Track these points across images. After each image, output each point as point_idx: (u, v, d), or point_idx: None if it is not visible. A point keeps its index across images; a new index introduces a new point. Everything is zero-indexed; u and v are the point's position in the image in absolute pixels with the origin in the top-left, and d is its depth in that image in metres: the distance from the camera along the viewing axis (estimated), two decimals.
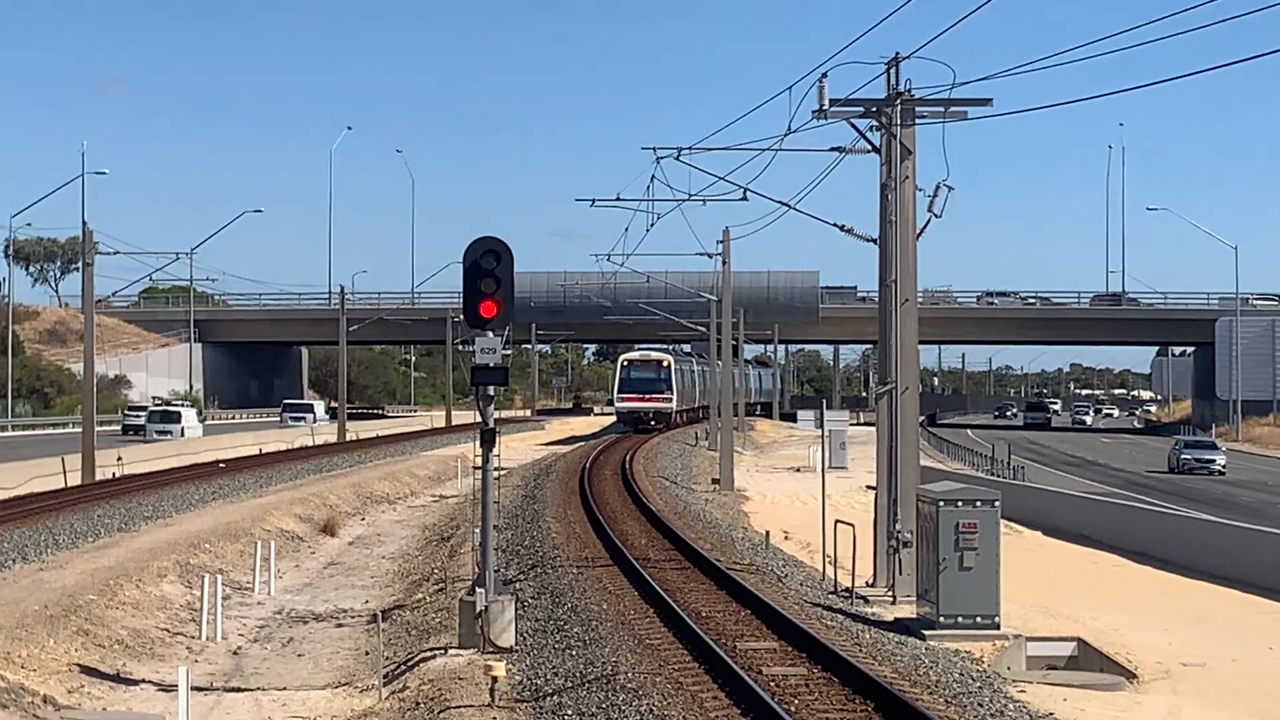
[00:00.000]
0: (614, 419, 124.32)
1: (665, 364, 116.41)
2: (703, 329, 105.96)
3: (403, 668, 26.46)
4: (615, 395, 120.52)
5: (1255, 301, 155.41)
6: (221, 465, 74.25)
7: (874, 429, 37.16)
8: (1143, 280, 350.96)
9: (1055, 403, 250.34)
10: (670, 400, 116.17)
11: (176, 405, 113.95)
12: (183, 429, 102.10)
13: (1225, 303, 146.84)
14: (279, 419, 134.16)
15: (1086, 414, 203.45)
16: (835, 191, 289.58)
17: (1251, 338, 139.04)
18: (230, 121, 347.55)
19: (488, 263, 26.36)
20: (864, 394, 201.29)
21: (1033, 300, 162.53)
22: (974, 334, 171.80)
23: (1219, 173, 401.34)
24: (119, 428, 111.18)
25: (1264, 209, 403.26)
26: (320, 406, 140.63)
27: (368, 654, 28.77)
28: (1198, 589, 39.20)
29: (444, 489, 69.33)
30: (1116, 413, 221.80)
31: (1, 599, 31.29)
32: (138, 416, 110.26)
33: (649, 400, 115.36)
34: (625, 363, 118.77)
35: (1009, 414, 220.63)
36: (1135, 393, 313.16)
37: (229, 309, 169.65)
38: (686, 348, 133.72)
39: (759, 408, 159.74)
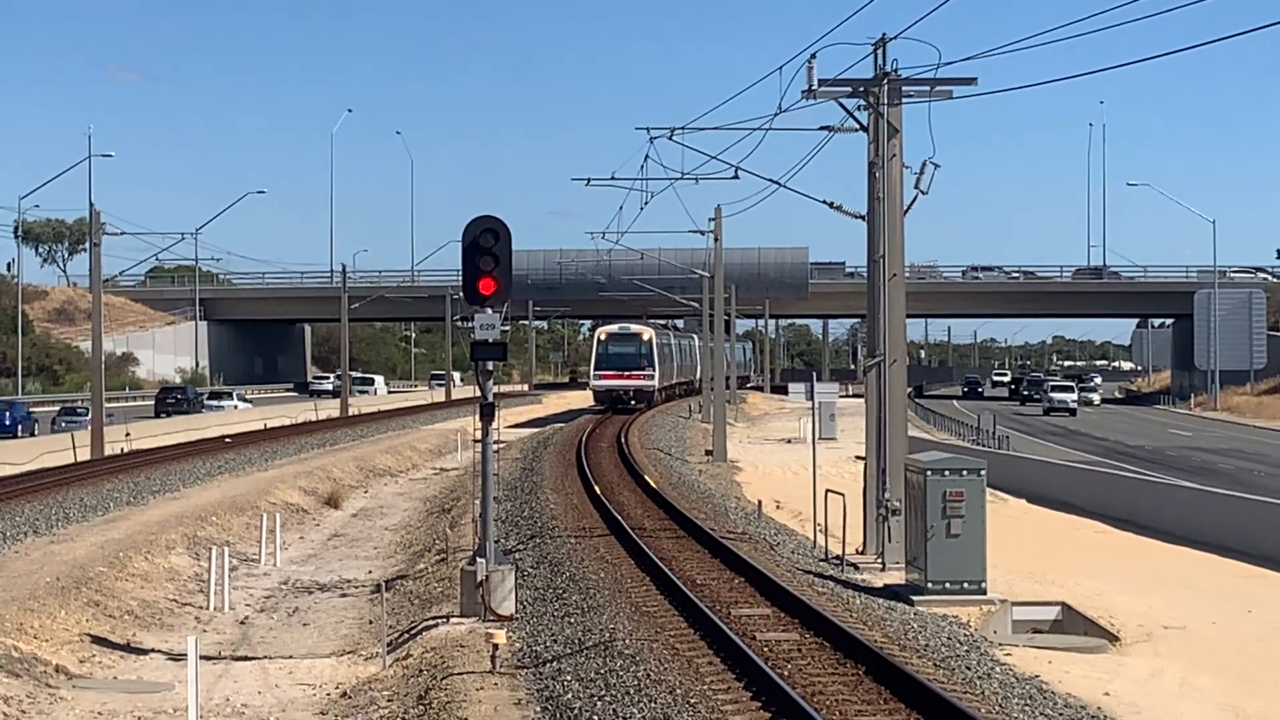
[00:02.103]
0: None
1: (646, 338, 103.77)
2: (695, 305, 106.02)
3: (406, 636, 26.48)
4: (591, 372, 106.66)
5: (1233, 274, 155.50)
6: (228, 440, 74.24)
7: (863, 401, 37.16)
8: (1123, 254, 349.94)
9: (1005, 374, 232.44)
10: (652, 377, 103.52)
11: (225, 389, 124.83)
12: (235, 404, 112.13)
13: (1204, 276, 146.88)
14: (332, 393, 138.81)
15: (1068, 394, 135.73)
16: (824, 170, 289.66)
17: (1229, 309, 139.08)
18: (233, 106, 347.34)
19: (486, 241, 26.33)
20: (853, 367, 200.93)
21: (1016, 274, 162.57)
22: (960, 308, 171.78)
23: (1197, 149, 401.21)
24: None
25: (1241, 184, 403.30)
26: (380, 380, 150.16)
27: (371, 623, 28.78)
28: (1178, 554, 39.25)
29: (444, 462, 69.35)
30: (1097, 398, 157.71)
31: (14, 571, 31.30)
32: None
33: (628, 378, 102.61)
34: (603, 337, 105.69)
35: (979, 390, 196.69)
36: (1116, 364, 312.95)
37: (233, 288, 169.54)
38: (680, 323, 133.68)
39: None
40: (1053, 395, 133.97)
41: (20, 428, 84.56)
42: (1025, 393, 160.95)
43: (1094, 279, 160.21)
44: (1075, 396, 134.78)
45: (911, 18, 32.26)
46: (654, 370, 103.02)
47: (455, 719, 19.46)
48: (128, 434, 73.53)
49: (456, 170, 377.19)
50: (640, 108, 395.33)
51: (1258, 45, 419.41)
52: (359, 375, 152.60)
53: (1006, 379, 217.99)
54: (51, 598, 28.39)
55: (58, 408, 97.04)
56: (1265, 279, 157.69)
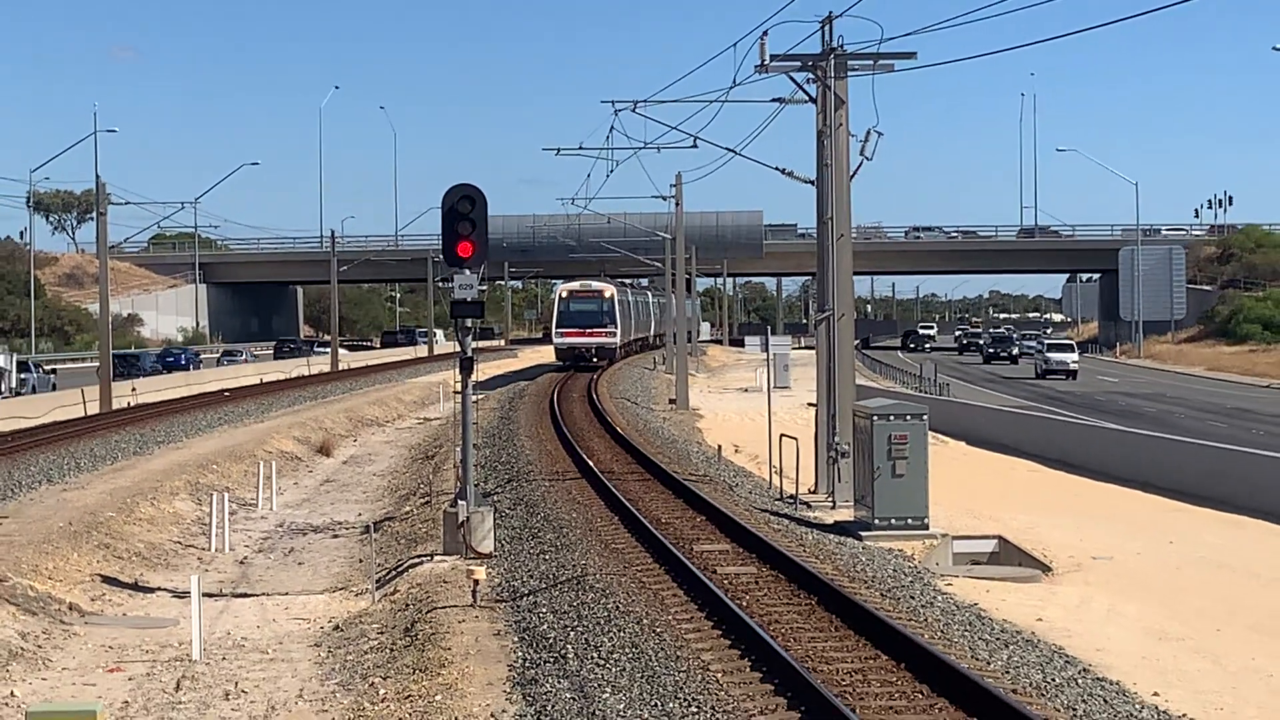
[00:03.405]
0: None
1: (608, 295, 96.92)
2: (659, 265, 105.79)
3: (393, 573, 26.49)
4: (554, 330, 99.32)
5: (1166, 231, 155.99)
6: (226, 394, 74.05)
7: (814, 353, 37.20)
8: (1054, 215, 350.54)
9: (931, 327, 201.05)
10: (614, 335, 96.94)
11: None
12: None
13: (1128, 234, 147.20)
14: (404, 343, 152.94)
15: (1068, 355, 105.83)
16: (777, 138, 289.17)
17: (1151, 265, 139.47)
18: (229, 83, 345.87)
19: (464, 207, 26.27)
20: (804, 321, 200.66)
21: (955, 234, 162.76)
22: (903, 265, 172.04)
23: (1123, 117, 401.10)
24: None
25: (1163, 147, 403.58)
26: (440, 334, 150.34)
27: (361, 562, 28.77)
28: (1106, 491, 39.41)
29: (428, 412, 69.26)
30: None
31: (29, 517, 31.24)
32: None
33: (590, 335, 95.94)
34: (564, 295, 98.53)
35: (925, 343, 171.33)
36: (1048, 316, 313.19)
37: (230, 253, 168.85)
38: (645, 282, 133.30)
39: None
40: (1050, 356, 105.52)
41: (191, 366, 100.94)
42: (992, 350, 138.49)
43: (1027, 238, 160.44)
44: (1076, 357, 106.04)
45: None
46: (616, 328, 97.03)
47: (439, 649, 19.47)
48: (134, 389, 73.28)
49: (436, 141, 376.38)
50: (606, 82, 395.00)
51: (1177, 18, 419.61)
52: (422, 330, 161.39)
53: (933, 331, 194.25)
54: (64, 541, 28.33)
55: (220, 350, 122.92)
56: (1191, 236, 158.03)
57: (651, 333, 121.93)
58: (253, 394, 74.93)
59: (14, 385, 70.11)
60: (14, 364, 72.42)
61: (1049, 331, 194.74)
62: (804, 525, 30.31)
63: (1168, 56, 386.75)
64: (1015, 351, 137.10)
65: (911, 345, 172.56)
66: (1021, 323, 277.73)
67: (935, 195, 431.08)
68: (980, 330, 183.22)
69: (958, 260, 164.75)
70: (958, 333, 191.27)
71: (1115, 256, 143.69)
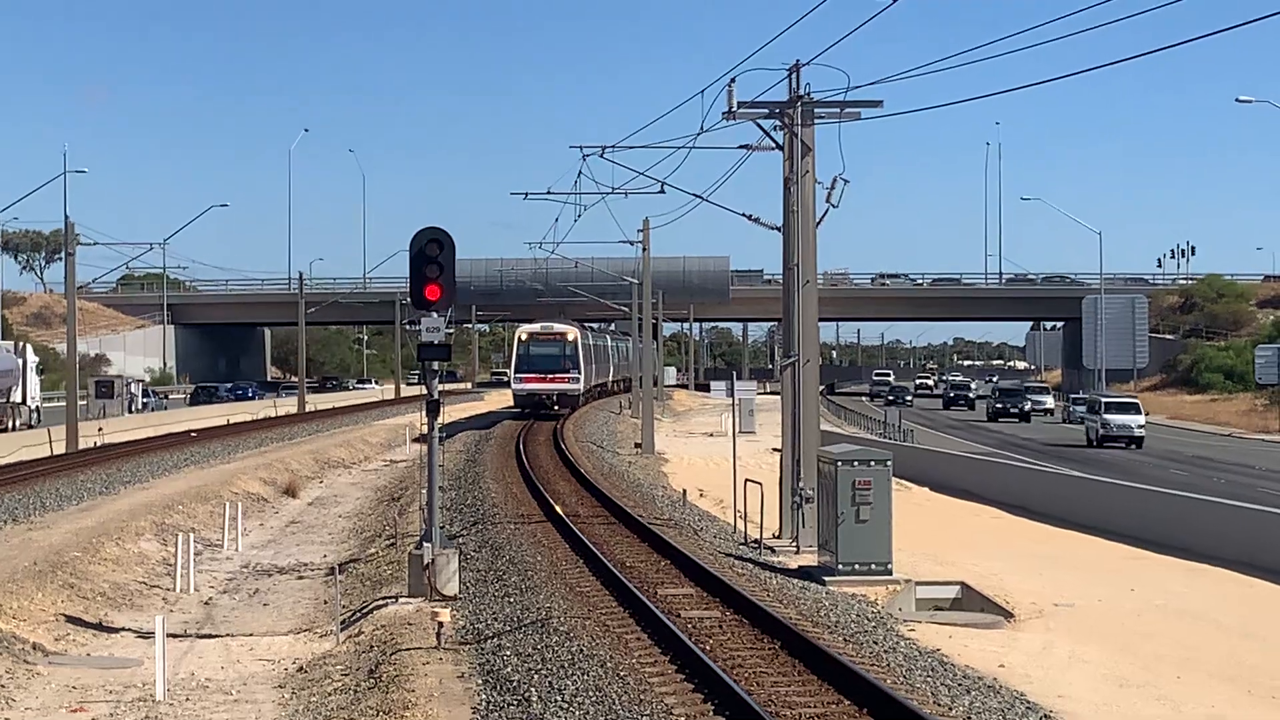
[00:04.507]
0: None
1: (571, 338, 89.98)
2: (625, 309, 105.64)
3: (358, 615, 26.40)
4: (512, 375, 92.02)
5: (1125, 282, 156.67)
6: (193, 435, 73.79)
7: (779, 398, 37.24)
8: (1018, 262, 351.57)
9: (886, 374, 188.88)
10: (577, 380, 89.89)
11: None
12: None
13: (1091, 281, 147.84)
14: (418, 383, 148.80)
15: (1133, 416, 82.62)
16: (744, 185, 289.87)
17: (1114, 313, 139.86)
18: (199, 124, 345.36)
19: (431, 250, 26.28)
20: (770, 366, 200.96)
21: (921, 281, 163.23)
22: (869, 311, 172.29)
23: (1088, 164, 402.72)
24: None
25: (1128, 197, 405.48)
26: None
27: (326, 603, 28.67)
28: (1068, 537, 39.47)
29: (394, 454, 69.11)
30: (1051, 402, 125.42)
31: None
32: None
33: (552, 380, 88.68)
34: (524, 337, 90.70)
35: (905, 398, 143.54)
36: (1011, 363, 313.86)
37: (199, 294, 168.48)
38: (612, 326, 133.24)
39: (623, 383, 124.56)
40: (1110, 419, 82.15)
41: (256, 397, 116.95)
42: (1000, 406, 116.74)
43: (993, 285, 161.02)
44: (1143, 420, 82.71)
45: (823, 45, 32.45)
46: (579, 373, 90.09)
47: (403, 691, 19.41)
48: (100, 429, 73.00)
49: (405, 184, 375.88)
50: (574, 127, 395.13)
51: (1142, 70, 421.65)
52: (451, 371, 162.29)
53: (889, 378, 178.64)
54: (29, 580, 28.18)
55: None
56: (1153, 286, 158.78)
57: (613, 378, 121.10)
58: (219, 435, 74.66)
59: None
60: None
61: (1000, 377, 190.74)
62: (768, 570, 30.31)
63: (1132, 107, 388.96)
64: (1027, 407, 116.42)
65: (891, 399, 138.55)
66: (986, 370, 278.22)
67: (903, 242, 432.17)
68: (965, 378, 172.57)
69: (923, 307, 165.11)
70: (945, 380, 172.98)
71: (1079, 304, 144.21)
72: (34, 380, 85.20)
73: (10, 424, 78.77)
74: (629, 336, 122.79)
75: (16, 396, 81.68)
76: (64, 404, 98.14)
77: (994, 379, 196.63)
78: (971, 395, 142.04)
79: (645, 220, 73.91)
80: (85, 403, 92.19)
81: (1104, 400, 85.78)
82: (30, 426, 77.65)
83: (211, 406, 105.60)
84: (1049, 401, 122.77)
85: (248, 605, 29.71)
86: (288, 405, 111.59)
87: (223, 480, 49.18)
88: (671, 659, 20.69)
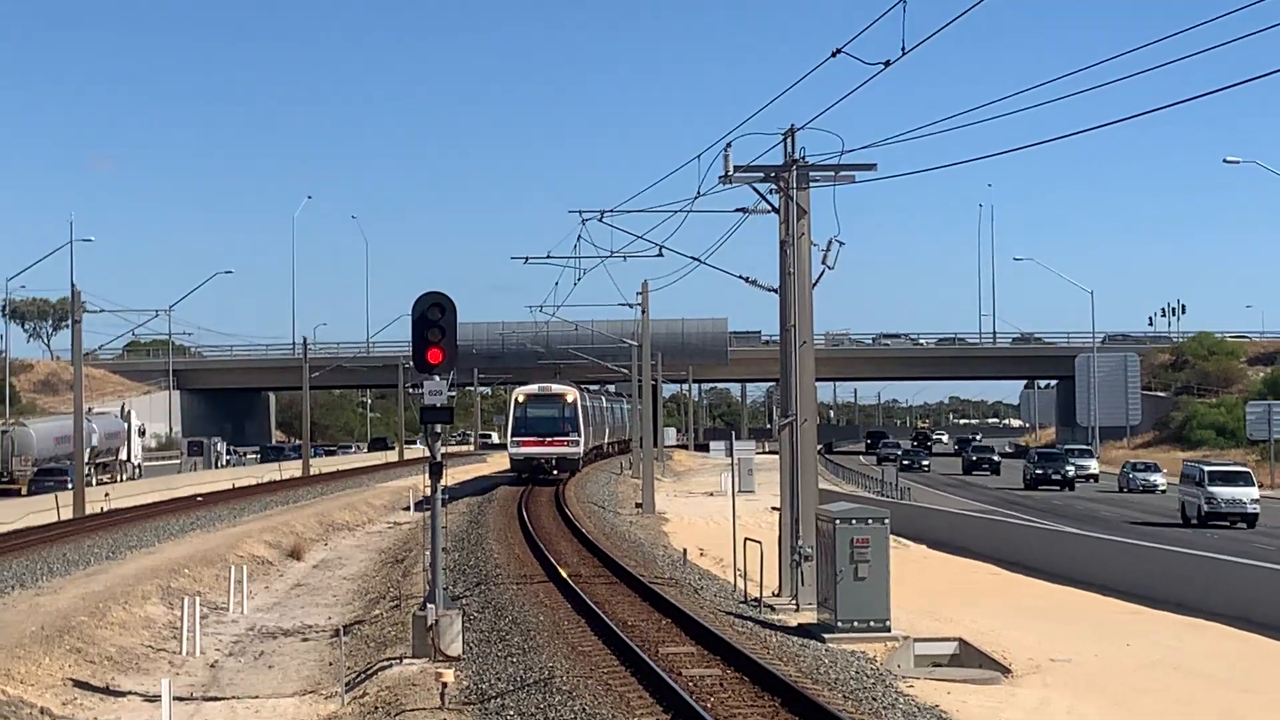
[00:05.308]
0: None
1: (570, 399, 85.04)
2: (626, 371, 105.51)
3: (362, 676, 26.34)
4: (509, 439, 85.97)
5: (1114, 340, 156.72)
6: (199, 499, 73.74)
7: (778, 457, 37.23)
8: (1011, 321, 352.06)
9: (885, 435, 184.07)
10: (577, 443, 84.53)
11: None
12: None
13: (1084, 340, 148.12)
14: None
15: (1247, 489, 66.42)
16: (741, 247, 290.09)
17: (1107, 371, 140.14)
18: (204, 192, 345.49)
19: (434, 314, 26.34)
20: (769, 426, 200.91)
21: (919, 341, 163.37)
22: (867, 371, 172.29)
23: (1079, 224, 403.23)
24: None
25: (1119, 255, 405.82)
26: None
27: (331, 664, 28.61)
28: (1064, 593, 39.39)
29: (397, 517, 69.04)
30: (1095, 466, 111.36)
31: (1, 622, 31.00)
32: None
33: (551, 444, 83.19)
34: (520, 399, 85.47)
35: (921, 461, 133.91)
36: (1006, 421, 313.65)
37: (204, 360, 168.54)
38: (612, 388, 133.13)
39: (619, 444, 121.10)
40: (1216, 492, 66.37)
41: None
42: (1040, 473, 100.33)
43: (987, 345, 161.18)
44: (1256, 494, 66.91)
45: (817, 109, 32.60)
46: (579, 435, 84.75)
47: None
48: (107, 494, 72.99)
49: (407, 250, 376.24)
50: (573, 192, 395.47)
51: (1130, 132, 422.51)
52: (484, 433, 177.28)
53: (899, 446, 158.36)
54: (37, 645, 28.13)
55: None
56: (1141, 345, 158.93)
57: (610, 439, 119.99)
58: (225, 499, 74.59)
59: None
60: None
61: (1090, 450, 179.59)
62: (768, 628, 30.24)
63: (1123, 168, 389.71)
64: (1070, 473, 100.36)
65: (905, 463, 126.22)
66: (982, 428, 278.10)
67: (900, 302, 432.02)
68: (975, 438, 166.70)
69: (920, 366, 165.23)
70: (966, 441, 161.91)
71: (1072, 363, 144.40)
72: (136, 441, 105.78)
73: (119, 478, 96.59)
74: (622, 397, 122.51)
75: (124, 455, 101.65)
76: (162, 461, 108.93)
77: (976, 438, 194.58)
78: (996, 458, 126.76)
79: (644, 283, 73.83)
80: (179, 460, 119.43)
81: (1208, 470, 68.97)
82: (133, 479, 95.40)
83: (230, 469, 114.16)
84: (1093, 465, 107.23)
85: (253, 668, 29.65)
86: (292, 469, 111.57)
87: (228, 544, 49.12)
88: (674, 717, 20.63)
